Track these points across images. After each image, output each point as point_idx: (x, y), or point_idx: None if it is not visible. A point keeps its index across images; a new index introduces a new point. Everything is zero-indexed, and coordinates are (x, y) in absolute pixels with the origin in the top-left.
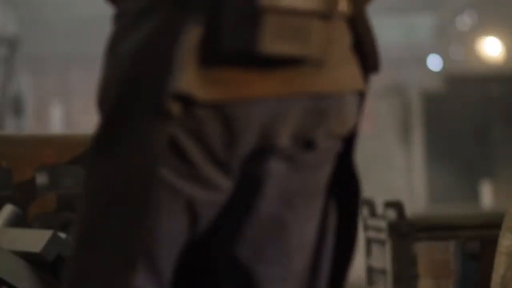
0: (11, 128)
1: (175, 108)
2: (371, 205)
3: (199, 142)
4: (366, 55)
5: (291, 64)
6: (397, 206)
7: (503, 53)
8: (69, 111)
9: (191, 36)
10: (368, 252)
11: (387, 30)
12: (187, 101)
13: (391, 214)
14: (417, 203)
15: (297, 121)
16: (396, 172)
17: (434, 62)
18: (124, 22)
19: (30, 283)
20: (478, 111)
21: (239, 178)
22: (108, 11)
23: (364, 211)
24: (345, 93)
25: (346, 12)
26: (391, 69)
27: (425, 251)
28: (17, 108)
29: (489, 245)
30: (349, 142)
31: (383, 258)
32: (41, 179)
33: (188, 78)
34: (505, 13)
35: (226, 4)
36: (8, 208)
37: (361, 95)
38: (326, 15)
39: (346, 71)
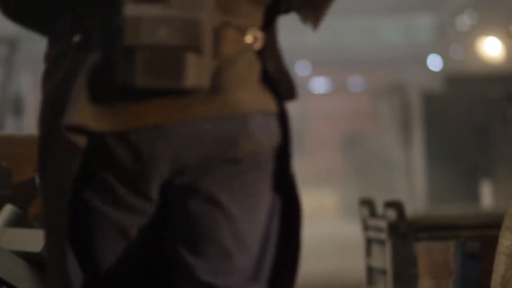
0: (11, 128)
1: (80, 140)
2: (371, 205)
3: (115, 171)
4: (277, 84)
5: (185, 93)
6: (397, 206)
7: (503, 53)
8: None
9: (85, 76)
10: (368, 252)
11: (387, 30)
12: (93, 133)
13: (391, 214)
14: (417, 203)
15: (203, 143)
16: (396, 172)
17: (434, 62)
18: (50, 63)
19: (30, 283)
20: (478, 111)
21: (167, 195)
22: None
23: (364, 211)
24: (247, 115)
25: (253, 45)
26: (391, 69)
27: (425, 251)
28: (17, 108)
29: (489, 245)
30: (283, 158)
31: (383, 258)
32: None
33: (80, 112)
34: (505, 13)
35: (115, 45)
36: (8, 208)
37: (280, 116)
38: (197, 49)
39: (247, 96)
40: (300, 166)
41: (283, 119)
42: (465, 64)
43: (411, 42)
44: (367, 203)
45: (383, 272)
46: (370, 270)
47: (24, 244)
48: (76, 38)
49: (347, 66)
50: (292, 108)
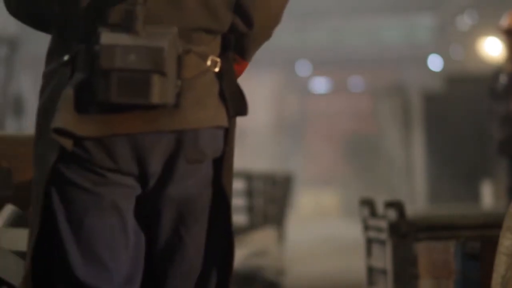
0: (12, 128)
1: (66, 141)
2: (371, 205)
3: (95, 165)
4: (231, 102)
5: (151, 108)
6: (397, 206)
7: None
8: None
9: (70, 91)
10: (369, 252)
11: (387, 30)
12: (76, 137)
13: (392, 214)
14: (417, 203)
15: (163, 150)
16: (396, 172)
17: (435, 62)
18: (45, 79)
19: None
20: (478, 111)
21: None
22: None
23: (364, 211)
24: (199, 130)
25: (212, 68)
26: (391, 69)
27: (425, 251)
28: (18, 108)
29: (490, 245)
30: (220, 165)
31: (383, 258)
32: None
33: (64, 119)
34: (505, 14)
35: (95, 66)
36: (9, 208)
37: (227, 130)
38: (161, 72)
39: (201, 113)
40: (300, 166)
41: (228, 133)
42: (466, 64)
43: (411, 42)
44: (368, 203)
45: (383, 272)
46: (370, 270)
47: (24, 244)
48: (65, 58)
49: (347, 66)
50: (293, 108)
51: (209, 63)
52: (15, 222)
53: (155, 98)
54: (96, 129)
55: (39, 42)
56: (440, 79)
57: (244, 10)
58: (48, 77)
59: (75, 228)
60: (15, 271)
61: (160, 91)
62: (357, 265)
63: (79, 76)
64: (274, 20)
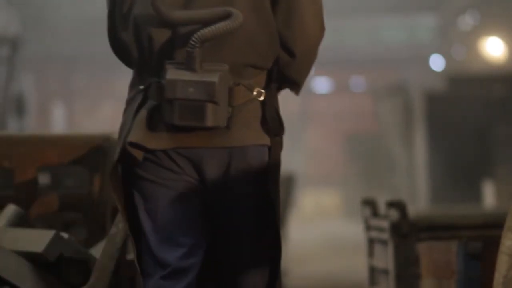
0: (13, 128)
1: (138, 153)
2: (373, 205)
3: (163, 169)
4: (271, 125)
5: (207, 129)
6: (399, 206)
7: (505, 53)
8: (72, 111)
9: (144, 114)
10: (371, 252)
11: (389, 30)
12: (145, 149)
13: (394, 214)
14: (419, 203)
15: (217, 162)
16: (398, 172)
17: (436, 62)
18: (126, 104)
19: (32, 283)
20: (480, 111)
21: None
22: None
23: (366, 211)
24: (246, 146)
25: (257, 97)
26: (393, 69)
27: (427, 251)
28: (20, 108)
29: (491, 245)
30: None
31: (385, 258)
32: (44, 179)
33: (138, 135)
34: (507, 13)
35: (163, 96)
36: (10, 208)
37: (269, 146)
38: (213, 101)
39: (248, 133)
40: (301, 166)
41: (272, 149)
42: (467, 64)
43: (413, 42)
44: (369, 203)
45: (385, 272)
46: (372, 270)
47: (26, 244)
48: (141, 87)
49: (349, 66)
50: (294, 108)
51: (255, 93)
52: (17, 222)
53: (209, 122)
54: (163, 143)
55: (41, 42)
56: (442, 79)
57: (287, 45)
58: (128, 102)
59: (151, 214)
60: (16, 271)
61: (213, 116)
62: (358, 265)
63: (151, 102)
64: (313, 50)
